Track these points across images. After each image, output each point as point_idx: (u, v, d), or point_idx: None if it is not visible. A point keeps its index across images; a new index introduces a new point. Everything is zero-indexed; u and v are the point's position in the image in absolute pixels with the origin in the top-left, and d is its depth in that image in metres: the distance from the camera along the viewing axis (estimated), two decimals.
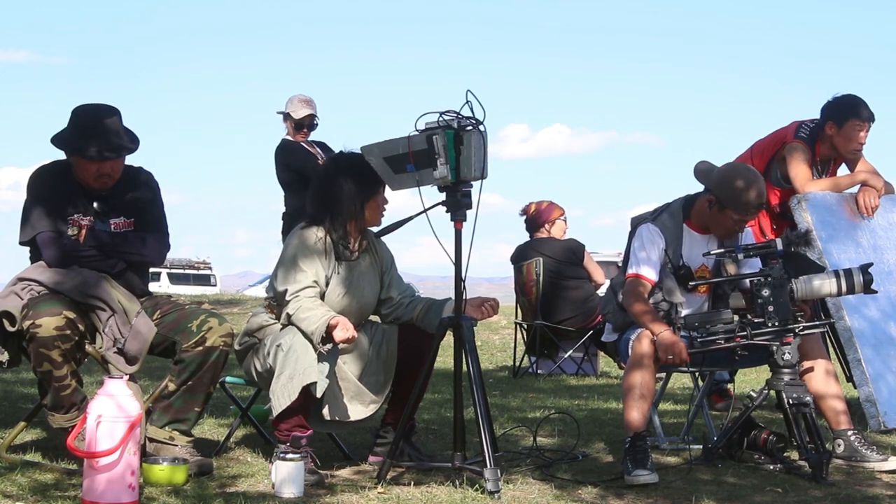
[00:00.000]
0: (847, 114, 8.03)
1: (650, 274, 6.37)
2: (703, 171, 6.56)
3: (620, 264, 6.80)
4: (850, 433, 6.30)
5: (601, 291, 12.00)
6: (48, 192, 5.91)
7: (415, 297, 6.29)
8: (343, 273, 6.02)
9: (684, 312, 6.39)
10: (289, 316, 5.81)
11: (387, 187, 5.99)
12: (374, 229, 6.19)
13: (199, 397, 5.86)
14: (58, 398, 5.62)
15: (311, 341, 5.67)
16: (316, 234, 5.99)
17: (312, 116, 9.85)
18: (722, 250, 6.34)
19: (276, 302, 5.98)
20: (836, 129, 8.03)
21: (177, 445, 5.77)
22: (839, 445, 6.27)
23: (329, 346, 5.70)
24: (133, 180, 6.05)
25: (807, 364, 6.30)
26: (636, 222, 6.58)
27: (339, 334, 5.63)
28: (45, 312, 5.47)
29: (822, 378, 6.35)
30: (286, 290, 5.86)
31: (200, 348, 5.78)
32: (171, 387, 5.83)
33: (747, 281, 6.31)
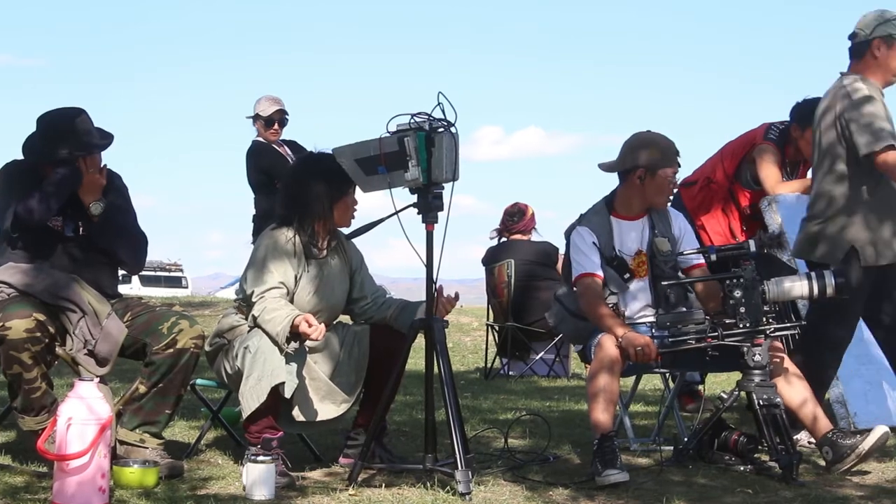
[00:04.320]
0: (811, 118, 8.05)
1: (597, 270, 6.40)
2: (608, 163, 6.66)
3: (562, 279, 6.82)
4: (830, 435, 6.27)
5: None
6: (19, 185, 5.84)
7: (387, 298, 6.30)
8: (312, 272, 6.03)
9: (630, 304, 6.50)
10: (254, 318, 5.80)
11: (357, 188, 6.00)
12: (345, 231, 6.19)
13: (170, 399, 5.85)
14: (28, 401, 5.60)
15: (276, 342, 5.66)
16: (285, 236, 5.99)
17: (281, 112, 9.84)
18: (693, 250, 6.39)
19: (246, 304, 5.98)
20: (800, 132, 8.05)
21: (147, 448, 5.76)
22: (827, 453, 6.21)
23: (295, 344, 5.70)
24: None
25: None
26: (567, 233, 6.62)
27: (304, 328, 5.61)
28: (16, 315, 5.45)
29: (790, 385, 6.33)
30: (253, 292, 5.86)
31: (171, 350, 5.76)
32: (142, 389, 5.81)
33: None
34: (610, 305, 6.37)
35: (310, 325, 5.62)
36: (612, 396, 6.09)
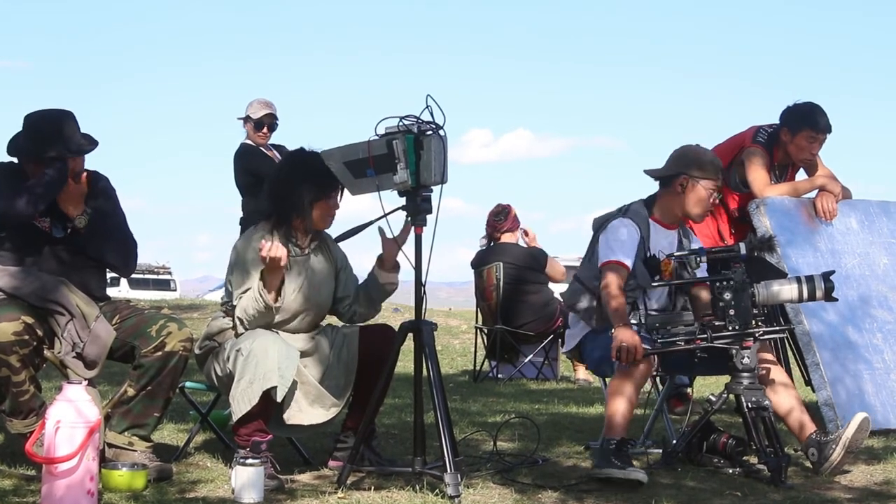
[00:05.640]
0: (801, 123, 8.06)
1: (627, 261, 6.44)
2: (654, 169, 6.70)
3: (582, 261, 6.84)
4: (814, 436, 6.28)
5: (559, 287, 12.05)
6: (4, 185, 5.82)
7: (358, 286, 6.31)
8: (295, 271, 6.03)
9: (651, 304, 6.53)
10: (240, 320, 5.83)
11: (342, 193, 6.02)
12: (334, 234, 6.19)
13: (159, 402, 5.83)
14: (16, 403, 5.58)
15: (265, 308, 5.76)
16: (262, 234, 6.00)
17: (272, 116, 9.88)
18: (686, 252, 6.40)
19: (232, 305, 6.00)
20: (789, 137, 8.07)
21: (136, 451, 5.75)
22: (813, 455, 6.22)
23: (281, 300, 5.82)
24: (89, 184, 6.01)
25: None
26: (602, 220, 6.66)
27: (264, 253, 5.68)
28: (4, 318, 5.43)
29: (778, 393, 6.35)
30: (234, 294, 5.90)
31: (160, 353, 5.75)
32: (131, 392, 5.80)
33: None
34: (631, 300, 6.45)
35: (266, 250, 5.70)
36: (632, 405, 6.14)
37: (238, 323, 5.88)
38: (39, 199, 5.71)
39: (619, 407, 6.11)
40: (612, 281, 6.37)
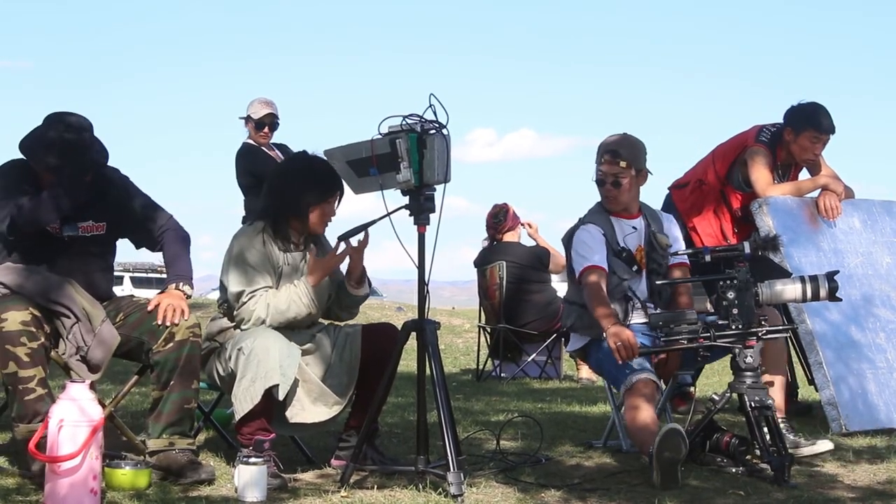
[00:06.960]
0: (805, 123, 8.05)
1: (602, 263, 6.48)
2: None
3: (567, 282, 6.88)
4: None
5: (558, 285, 12.05)
6: (14, 184, 5.81)
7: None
8: (292, 264, 6.04)
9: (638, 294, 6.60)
10: (259, 319, 5.81)
11: (340, 199, 6.07)
12: (333, 233, 6.19)
13: (187, 394, 5.73)
14: (22, 405, 5.45)
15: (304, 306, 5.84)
16: (258, 231, 6.00)
17: (272, 115, 9.89)
18: (688, 251, 6.41)
19: (228, 304, 5.97)
20: (793, 136, 8.06)
21: (174, 450, 5.69)
22: None
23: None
24: (100, 181, 5.99)
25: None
26: (567, 236, 6.72)
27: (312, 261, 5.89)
28: (13, 307, 5.42)
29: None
30: (243, 291, 5.86)
31: (171, 345, 5.71)
32: (155, 394, 5.75)
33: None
34: (620, 294, 6.53)
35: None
36: (653, 413, 6.14)
37: (255, 320, 5.87)
38: (60, 209, 5.74)
39: (645, 437, 6.02)
40: (592, 284, 6.40)
